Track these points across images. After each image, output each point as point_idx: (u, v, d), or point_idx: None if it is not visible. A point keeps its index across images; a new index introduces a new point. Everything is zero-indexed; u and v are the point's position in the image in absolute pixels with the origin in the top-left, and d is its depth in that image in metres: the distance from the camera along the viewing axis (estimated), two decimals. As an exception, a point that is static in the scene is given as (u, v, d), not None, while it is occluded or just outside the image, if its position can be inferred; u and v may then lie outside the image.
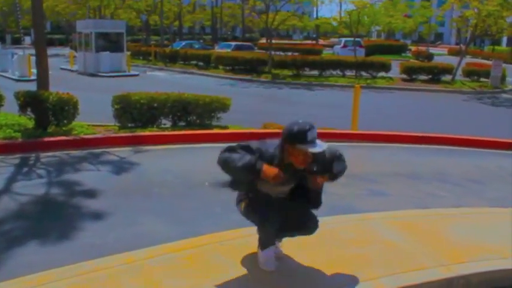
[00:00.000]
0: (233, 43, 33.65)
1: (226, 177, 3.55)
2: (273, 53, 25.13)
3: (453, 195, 6.34)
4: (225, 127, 9.76)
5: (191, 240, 4.26)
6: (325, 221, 4.73)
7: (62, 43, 53.18)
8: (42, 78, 9.49)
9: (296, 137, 3.18)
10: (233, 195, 3.74)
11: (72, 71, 24.93)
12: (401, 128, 10.49)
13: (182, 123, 9.76)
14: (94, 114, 10.15)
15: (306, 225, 3.71)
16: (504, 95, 20.59)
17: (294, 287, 3.49)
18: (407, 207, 5.62)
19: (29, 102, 8.49)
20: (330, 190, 6.34)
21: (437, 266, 3.87)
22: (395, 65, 24.42)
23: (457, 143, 9.61)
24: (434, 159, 8.44)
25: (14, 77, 19.95)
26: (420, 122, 12.34)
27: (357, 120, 9.94)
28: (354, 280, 3.57)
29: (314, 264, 3.81)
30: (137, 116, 9.22)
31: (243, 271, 3.70)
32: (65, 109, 8.54)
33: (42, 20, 9.97)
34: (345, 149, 8.66)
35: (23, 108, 8.60)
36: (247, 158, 3.22)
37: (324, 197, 5.93)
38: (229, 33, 74.30)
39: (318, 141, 3.23)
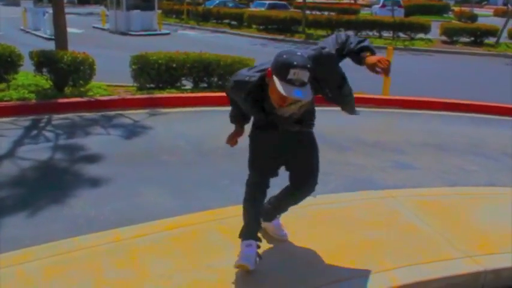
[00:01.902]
0: (267, 1, 32.60)
1: None
2: (308, 12, 24.20)
3: (486, 170, 5.76)
4: (248, 90, 9.28)
5: (189, 216, 3.89)
6: (340, 198, 4.34)
7: (97, 1, 52.94)
8: (60, 37, 9.19)
9: (277, 67, 2.59)
10: (245, 165, 3.27)
11: (103, 29, 24.67)
12: (438, 94, 9.79)
13: (204, 85, 9.35)
14: (117, 74, 9.80)
15: (305, 181, 3.19)
16: (553, 60, 19.27)
17: (291, 277, 3.08)
18: (434, 183, 5.11)
19: (43, 62, 8.20)
20: (350, 160, 5.94)
21: (463, 257, 3.38)
22: (436, 26, 23.18)
23: (495, 111, 8.85)
24: (469, 129, 7.78)
25: (45, 35, 19.79)
26: (458, 88, 11.55)
27: (388, 84, 9.29)
28: (362, 272, 3.13)
29: (320, 249, 3.39)
30: (155, 76, 8.84)
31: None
32: (81, 69, 8.21)
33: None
34: (373, 115, 8.29)
35: (38, 68, 8.33)
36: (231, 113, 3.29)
37: (342, 168, 5.53)
38: (265, -9, 72.46)
39: (304, 88, 2.55)
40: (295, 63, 2.55)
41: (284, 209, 3.50)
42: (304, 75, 2.55)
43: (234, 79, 2.94)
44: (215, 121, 7.44)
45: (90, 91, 8.35)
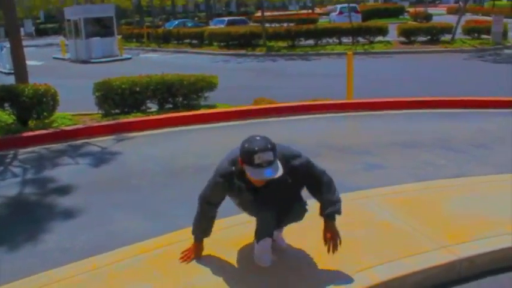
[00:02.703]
0: (226, 18, 32.92)
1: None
2: (267, 25, 24.46)
3: (454, 163, 5.89)
4: (213, 106, 9.32)
5: (164, 237, 3.86)
6: (313, 202, 4.34)
7: (55, 32, 52.39)
8: (19, 71, 9.08)
9: (243, 157, 2.92)
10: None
11: (64, 59, 24.44)
12: (401, 93, 10.00)
13: (169, 106, 9.34)
14: (82, 103, 9.73)
15: (294, 210, 3.34)
16: (506, 51, 19.86)
17: (272, 282, 3.09)
18: (405, 180, 5.19)
19: (4, 96, 8.06)
20: (323, 166, 5.95)
21: (438, 248, 3.46)
22: (393, 28, 23.71)
23: (458, 105, 9.08)
24: (435, 125, 7.96)
25: (4, 70, 19.44)
26: (420, 86, 11.82)
27: (351, 88, 9.46)
28: (342, 273, 3.16)
29: (300, 253, 3.43)
30: (120, 101, 8.80)
31: (223, 270, 3.30)
32: (43, 101, 8.11)
33: (15, 9, 9.44)
34: (339, 119, 8.42)
35: (-1, 103, 8.19)
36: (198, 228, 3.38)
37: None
38: (223, 9, 73.10)
39: (273, 166, 2.87)
40: (256, 148, 2.85)
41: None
42: (269, 156, 2.85)
43: (219, 173, 3.09)
44: (182, 141, 7.44)
45: (55, 122, 8.25)
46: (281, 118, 8.69)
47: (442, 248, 3.45)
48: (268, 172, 2.85)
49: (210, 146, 7.08)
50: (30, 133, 7.67)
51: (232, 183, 3.08)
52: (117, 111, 8.93)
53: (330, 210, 3.18)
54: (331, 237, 3.14)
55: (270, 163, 2.86)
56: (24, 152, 7.12)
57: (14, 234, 4.43)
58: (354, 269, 3.21)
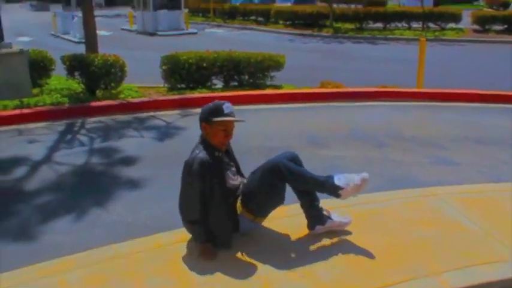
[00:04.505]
0: (294, -4, 32.41)
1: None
2: (335, 5, 23.88)
3: (532, 164, 5.53)
4: (279, 87, 9.19)
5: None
6: (379, 197, 4.19)
7: (124, 3, 53.42)
8: (90, 41, 9.27)
9: (212, 111, 3.21)
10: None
11: (131, 31, 24.86)
12: (473, 85, 9.50)
13: (234, 83, 9.29)
14: (147, 75, 9.87)
15: None
16: None
17: (336, 281, 2.97)
18: (478, 179, 4.91)
19: (75, 65, 8.27)
20: (388, 156, 5.79)
21: (516, 258, 3.23)
22: (467, 15, 22.59)
23: (537, 101, 8.53)
24: (509, 121, 7.49)
25: (74, 39, 20.04)
26: (494, 78, 11.21)
27: (422, 77, 9.06)
28: (410, 276, 3.00)
29: (365, 252, 3.27)
30: (186, 76, 8.83)
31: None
32: (112, 72, 8.25)
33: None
34: (409, 109, 8.10)
35: (70, 72, 8.41)
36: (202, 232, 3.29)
37: (380, 166, 5.39)
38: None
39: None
40: (222, 101, 3.25)
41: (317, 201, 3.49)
42: (233, 108, 3.25)
43: (199, 163, 3.11)
44: (247, 120, 7.34)
45: (122, 93, 8.39)
46: (347, 103, 8.46)
47: (520, 259, 3.22)
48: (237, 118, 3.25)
49: (275, 127, 7.00)
50: (98, 103, 7.83)
51: (211, 160, 3.16)
52: (182, 85, 8.97)
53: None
54: None
55: (234, 115, 3.25)
56: (91, 121, 7.28)
57: (79, 204, 4.53)
58: (422, 273, 3.04)
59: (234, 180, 3.41)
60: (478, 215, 3.83)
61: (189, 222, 3.28)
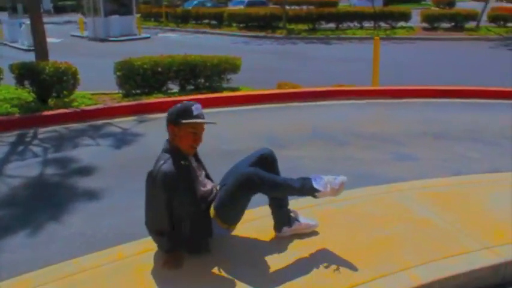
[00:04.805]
0: (246, -1, 32.47)
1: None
2: (288, 7, 24.04)
3: (488, 156, 5.66)
4: (237, 89, 9.13)
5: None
6: (345, 195, 4.11)
7: (74, 9, 52.21)
8: (40, 48, 8.95)
9: (180, 112, 3.04)
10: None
11: (82, 37, 24.31)
12: (426, 81, 9.71)
13: (191, 87, 9.16)
14: (100, 82, 9.61)
15: None
16: (534, 40, 19.36)
17: (306, 283, 2.92)
18: (438, 173, 4.98)
19: (24, 74, 7.94)
20: (349, 154, 5.81)
21: (481, 249, 3.26)
22: (416, 14, 23.20)
23: (488, 95, 8.79)
24: (465, 115, 7.69)
25: (23, 47, 19.40)
26: (445, 74, 11.51)
27: (377, 75, 9.20)
28: (380, 273, 2.98)
29: (334, 251, 3.24)
30: (141, 82, 8.65)
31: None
32: (64, 80, 7.97)
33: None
34: (366, 107, 8.18)
35: (19, 81, 8.07)
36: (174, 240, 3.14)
37: (343, 164, 5.40)
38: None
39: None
40: (190, 102, 3.08)
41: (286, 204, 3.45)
42: (201, 109, 3.07)
43: (163, 175, 2.92)
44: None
45: (75, 101, 8.13)
46: (305, 103, 8.47)
47: (485, 249, 3.25)
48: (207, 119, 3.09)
49: (233, 130, 6.92)
50: (51, 112, 7.55)
51: (176, 171, 2.96)
52: (138, 91, 8.78)
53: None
54: None
55: (204, 117, 3.09)
56: (44, 131, 7.00)
57: (35, 218, 4.32)
58: (391, 270, 3.03)
59: (205, 186, 3.25)
60: (443, 208, 3.87)
61: (156, 233, 3.16)
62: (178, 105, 3.09)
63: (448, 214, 3.76)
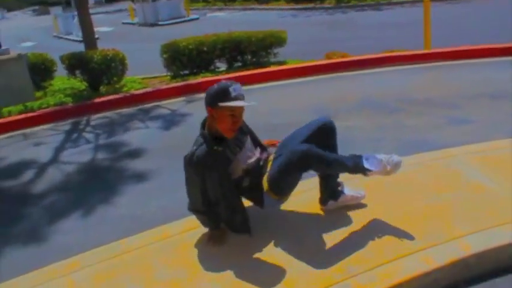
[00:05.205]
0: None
1: None
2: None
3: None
4: (284, 62, 8.98)
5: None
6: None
7: (124, -3, 53.23)
8: (88, 38, 9.16)
9: (218, 94, 2.87)
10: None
11: (133, 24, 24.72)
12: (483, 41, 9.15)
13: (238, 64, 9.11)
14: (151, 66, 9.71)
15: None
16: None
17: (351, 253, 2.82)
18: (494, 136, 4.66)
19: (74, 64, 8.16)
20: (401, 121, 5.58)
21: (541, 214, 3.04)
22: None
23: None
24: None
25: (77, 38, 19.91)
26: (505, 33, 10.82)
27: (429, 38, 8.75)
28: (430, 242, 2.84)
29: (383, 220, 3.12)
30: (187, 62, 8.67)
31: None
32: (112, 66, 8.12)
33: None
34: (419, 71, 7.83)
35: (70, 70, 8.32)
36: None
37: (394, 131, 5.20)
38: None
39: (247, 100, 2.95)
40: (229, 83, 2.89)
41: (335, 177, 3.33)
42: (241, 89, 2.91)
43: (196, 162, 2.89)
44: (252, 99, 7.19)
45: (125, 86, 8.27)
46: (355, 72, 8.22)
47: (546, 214, 3.02)
48: (247, 101, 2.90)
49: (281, 104, 6.83)
50: (102, 98, 7.73)
51: (209, 157, 2.89)
52: (186, 72, 8.82)
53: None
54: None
55: (243, 97, 2.92)
56: (96, 118, 7.19)
57: (86, 201, 4.44)
58: (443, 238, 2.88)
59: (250, 158, 3.12)
60: (498, 173, 3.63)
61: (197, 212, 3.15)
62: (215, 86, 2.92)
63: (504, 179, 3.52)
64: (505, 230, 2.90)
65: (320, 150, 2.98)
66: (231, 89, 2.85)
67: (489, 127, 5.03)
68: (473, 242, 2.82)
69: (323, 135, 3.18)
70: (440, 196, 3.38)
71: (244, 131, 3.21)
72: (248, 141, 3.20)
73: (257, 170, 3.12)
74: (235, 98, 2.85)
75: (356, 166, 3.00)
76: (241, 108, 2.94)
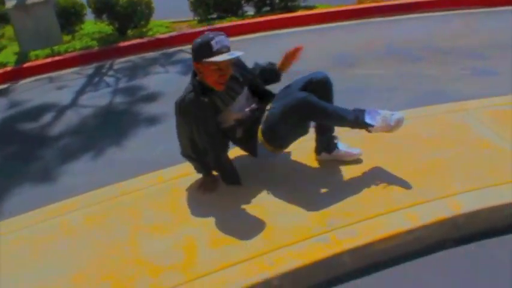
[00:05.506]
0: None
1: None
2: None
3: None
4: (313, 7, 8.67)
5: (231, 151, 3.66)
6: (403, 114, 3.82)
7: None
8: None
9: (200, 49, 2.78)
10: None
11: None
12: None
13: (267, 9, 8.87)
14: (180, 10, 9.54)
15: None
16: None
17: (340, 209, 2.78)
18: (518, 89, 4.44)
19: (100, 8, 8.12)
20: (422, 71, 5.33)
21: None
22: None
23: None
24: None
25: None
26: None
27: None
28: (420, 199, 2.76)
29: (378, 174, 3.05)
30: (214, 6, 8.50)
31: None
32: (138, 10, 8.06)
33: None
34: (452, 18, 7.41)
35: (97, 14, 8.29)
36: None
37: (411, 81, 5.00)
38: None
39: (233, 51, 2.80)
40: (211, 35, 2.76)
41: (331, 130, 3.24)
42: (226, 41, 2.78)
43: (183, 108, 2.89)
44: (277, 45, 7.01)
45: (151, 30, 8.22)
46: (387, 18, 7.85)
47: (546, 177, 2.86)
48: (233, 54, 2.77)
49: (306, 50, 6.61)
50: (126, 43, 7.72)
51: (196, 105, 2.86)
52: (213, 16, 8.67)
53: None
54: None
55: (228, 49, 2.78)
56: (119, 62, 7.22)
57: (97, 144, 4.54)
58: (434, 195, 2.78)
59: (244, 108, 3.06)
60: (508, 129, 3.44)
61: (186, 156, 3.16)
62: (198, 39, 2.80)
63: (514, 136, 3.34)
64: (500, 189, 2.78)
65: (318, 101, 2.89)
66: (213, 43, 2.72)
67: (513, 80, 4.74)
68: (465, 200, 2.72)
69: (317, 89, 3.05)
70: (442, 151, 3.25)
71: (240, 80, 3.08)
72: (244, 91, 3.11)
73: (252, 120, 3.06)
74: (218, 52, 2.74)
75: (356, 120, 2.91)
76: (226, 61, 2.82)
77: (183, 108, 2.88)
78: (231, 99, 3.01)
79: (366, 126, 2.91)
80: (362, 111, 2.92)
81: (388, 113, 2.89)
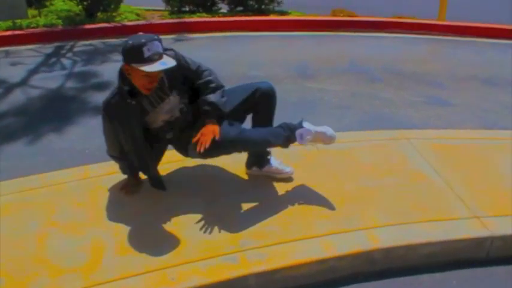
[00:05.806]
0: None
1: None
2: None
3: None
4: (286, 13, 8.62)
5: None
6: (347, 137, 3.80)
7: None
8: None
9: (130, 53, 2.54)
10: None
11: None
12: (503, 20, 8.61)
13: (240, 9, 8.79)
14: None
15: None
16: None
17: (251, 225, 2.70)
18: (467, 124, 4.43)
19: (70, -15, 7.92)
20: (377, 93, 5.29)
21: (470, 218, 2.83)
22: None
23: None
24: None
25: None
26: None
27: (445, 7, 8.27)
28: (340, 227, 2.70)
29: (292, 198, 2.98)
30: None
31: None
32: (109, -7, 7.88)
33: None
34: (421, 43, 7.43)
35: (68, -9, 8.07)
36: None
37: (365, 102, 4.96)
38: None
39: (166, 58, 2.59)
40: (143, 40, 2.53)
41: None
42: (157, 47, 2.56)
43: (105, 109, 2.78)
44: (242, 47, 6.94)
45: (120, 16, 8.04)
46: (358, 34, 7.86)
47: (474, 218, 2.83)
48: (163, 63, 2.55)
49: (266, 56, 6.56)
50: (92, 25, 7.53)
51: (123, 105, 2.71)
52: (186, 9, 8.54)
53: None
54: (202, 135, 2.76)
55: (160, 56, 2.57)
56: (82, 45, 7.03)
57: (37, 129, 4.37)
58: (354, 225, 2.73)
59: (174, 109, 2.89)
60: (447, 164, 3.42)
61: (111, 156, 3.04)
62: (130, 41, 2.57)
63: (450, 172, 3.32)
64: (421, 227, 2.74)
65: (251, 133, 2.89)
66: (144, 49, 2.51)
67: (467, 114, 4.75)
68: (383, 235, 2.67)
69: (261, 102, 2.99)
70: (374, 180, 3.21)
71: (171, 80, 2.84)
72: (174, 93, 2.88)
73: (183, 122, 2.95)
74: (149, 59, 2.52)
75: (286, 143, 2.91)
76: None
77: (108, 111, 2.76)
78: (160, 100, 2.85)
79: (293, 141, 2.92)
80: (293, 133, 2.88)
81: (322, 128, 2.93)
